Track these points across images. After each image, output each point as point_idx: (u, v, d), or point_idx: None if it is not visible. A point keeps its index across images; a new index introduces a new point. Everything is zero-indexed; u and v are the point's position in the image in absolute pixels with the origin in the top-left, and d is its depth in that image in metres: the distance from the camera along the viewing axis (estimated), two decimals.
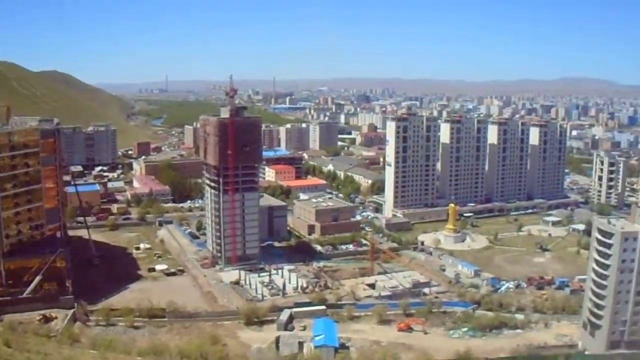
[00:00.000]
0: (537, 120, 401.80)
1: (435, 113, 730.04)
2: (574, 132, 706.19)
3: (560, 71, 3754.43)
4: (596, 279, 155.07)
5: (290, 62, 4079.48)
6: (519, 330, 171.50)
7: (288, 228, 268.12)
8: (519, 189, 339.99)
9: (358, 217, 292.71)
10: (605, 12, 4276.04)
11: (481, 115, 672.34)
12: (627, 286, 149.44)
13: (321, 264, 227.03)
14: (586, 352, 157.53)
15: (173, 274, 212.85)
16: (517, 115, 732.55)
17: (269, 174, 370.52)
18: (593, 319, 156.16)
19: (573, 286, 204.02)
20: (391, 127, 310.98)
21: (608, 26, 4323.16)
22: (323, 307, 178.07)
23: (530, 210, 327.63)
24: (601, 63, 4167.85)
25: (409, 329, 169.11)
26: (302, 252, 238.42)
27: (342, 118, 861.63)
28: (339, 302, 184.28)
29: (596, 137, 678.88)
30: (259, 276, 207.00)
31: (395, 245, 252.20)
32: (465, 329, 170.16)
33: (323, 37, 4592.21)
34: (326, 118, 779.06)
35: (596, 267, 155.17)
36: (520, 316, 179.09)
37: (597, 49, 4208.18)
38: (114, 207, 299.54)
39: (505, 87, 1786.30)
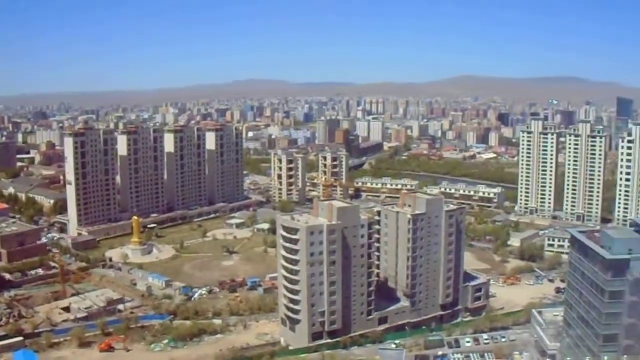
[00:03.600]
0: (213, 125, 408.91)
1: (112, 125, 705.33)
2: (250, 134, 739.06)
3: (232, 74, 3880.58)
4: (287, 275, 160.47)
5: None
6: (219, 335, 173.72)
7: None
8: (200, 194, 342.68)
9: (44, 239, 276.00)
10: (265, 13, 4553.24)
11: (157, 124, 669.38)
12: (320, 278, 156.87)
13: (12, 292, 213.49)
14: (290, 347, 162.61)
15: None
16: (192, 122, 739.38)
17: None
18: (291, 314, 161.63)
19: (265, 285, 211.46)
20: (69, 143, 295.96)
21: (273, 27, 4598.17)
22: (20, 338, 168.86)
23: (213, 215, 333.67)
24: (272, 63, 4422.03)
25: (111, 348, 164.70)
26: None
27: (20, 137, 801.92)
28: (36, 331, 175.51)
29: (273, 137, 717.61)
30: None
31: (84, 264, 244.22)
32: (166, 341, 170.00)
33: None
34: (3, 138, 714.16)
35: (285, 264, 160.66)
36: (218, 321, 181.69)
37: (266, 49, 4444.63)
38: None
39: (179, 93, 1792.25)
